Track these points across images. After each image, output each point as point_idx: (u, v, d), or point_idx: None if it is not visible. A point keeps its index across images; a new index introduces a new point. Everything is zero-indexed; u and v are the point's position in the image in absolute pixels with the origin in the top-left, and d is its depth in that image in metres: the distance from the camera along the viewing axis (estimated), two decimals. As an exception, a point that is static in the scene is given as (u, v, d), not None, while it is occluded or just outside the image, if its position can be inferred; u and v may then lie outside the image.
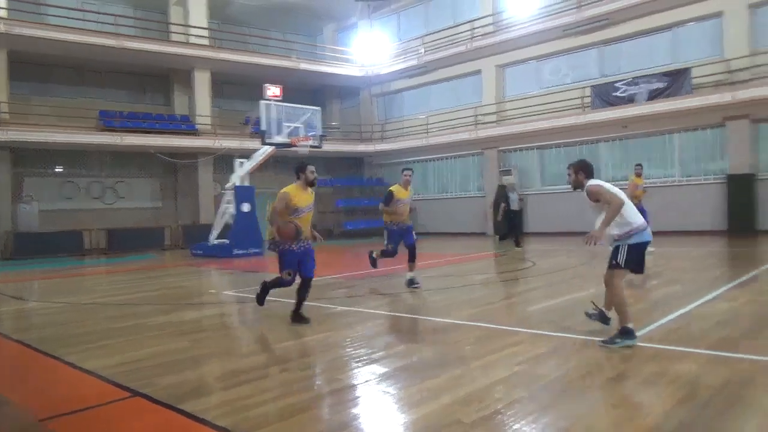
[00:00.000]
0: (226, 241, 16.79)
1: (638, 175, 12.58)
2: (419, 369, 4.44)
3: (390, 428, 3.33)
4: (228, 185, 17.21)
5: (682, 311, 5.92)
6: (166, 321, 6.92)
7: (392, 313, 6.81)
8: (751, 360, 4.23)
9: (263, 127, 15.90)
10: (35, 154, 19.81)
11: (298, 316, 6.30)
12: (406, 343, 5.50)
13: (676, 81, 17.62)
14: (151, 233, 21.59)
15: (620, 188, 5.13)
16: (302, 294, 6.31)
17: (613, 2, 18.76)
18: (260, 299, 6.73)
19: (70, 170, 21.22)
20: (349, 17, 27.68)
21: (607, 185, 4.96)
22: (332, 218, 25.76)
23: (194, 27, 22.62)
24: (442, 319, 6.40)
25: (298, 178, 6.24)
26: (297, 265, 6.20)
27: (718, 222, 17.02)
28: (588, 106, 19.74)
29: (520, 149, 22.08)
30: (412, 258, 8.78)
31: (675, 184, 18.06)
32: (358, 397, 3.90)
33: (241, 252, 16.03)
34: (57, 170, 21.11)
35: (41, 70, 21.15)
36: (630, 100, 18.50)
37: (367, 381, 4.21)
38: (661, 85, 17.90)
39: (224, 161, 21.11)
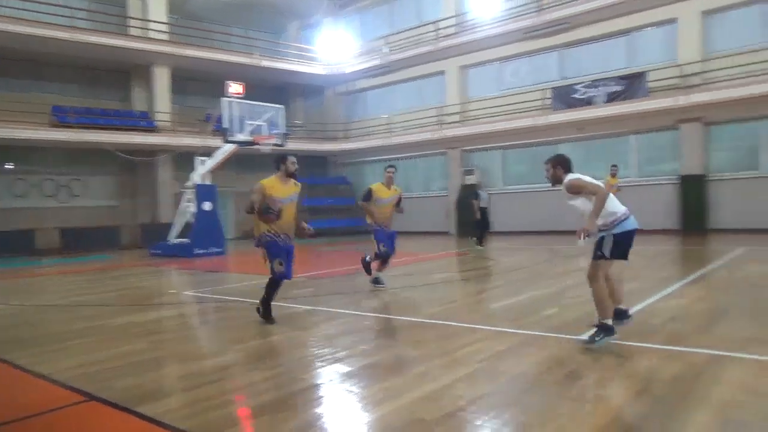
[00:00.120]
0: (187, 240, 16.47)
1: (613, 175, 13.35)
2: (383, 367, 4.46)
3: (354, 427, 3.33)
4: (188, 183, 16.88)
5: (638, 308, 6.10)
6: (125, 322, 6.73)
7: (356, 312, 6.81)
8: (702, 354, 4.39)
9: (225, 124, 15.61)
10: (-16, 150, 19.04)
11: (267, 312, 6.17)
12: (370, 342, 5.50)
13: (632, 84, 18.15)
14: (107, 232, 21.10)
15: None
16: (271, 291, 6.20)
17: (573, 6, 19.22)
18: (267, 315, 6.19)
19: (21, 167, 20.46)
20: (313, 15, 27.48)
21: (587, 177, 4.86)
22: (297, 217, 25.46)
23: (154, 21, 22.11)
24: (405, 318, 6.44)
25: (278, 169, 6.16)
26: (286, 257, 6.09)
27: (671, 221, 17.60)
28: (548, 108, 20.14)
29: (483, 149, 22.37)
30: (384, 262, 8.57)
31: (631, 184, 18.56)
32: (322, 396, 3.89)
33: (201, 252, 15.73)
34: (7, 167, 20.34)
35: (-9, 62, 20.33)
36: (589, 102, 18.97)
37: (331, 380, 4.20)
38: (618, 88, 18.40)
39: (184, 159, 20.63)
